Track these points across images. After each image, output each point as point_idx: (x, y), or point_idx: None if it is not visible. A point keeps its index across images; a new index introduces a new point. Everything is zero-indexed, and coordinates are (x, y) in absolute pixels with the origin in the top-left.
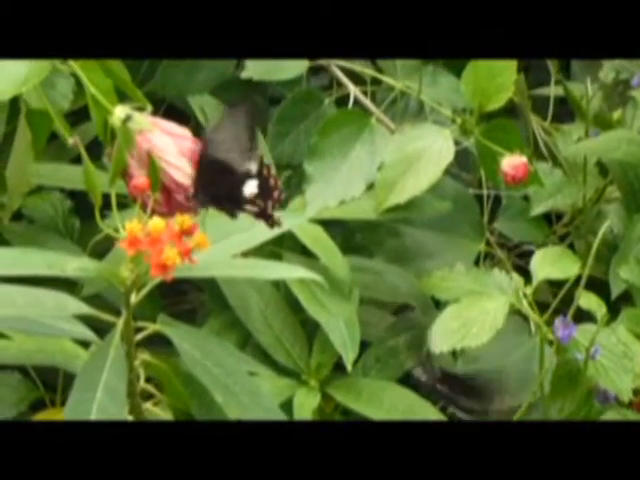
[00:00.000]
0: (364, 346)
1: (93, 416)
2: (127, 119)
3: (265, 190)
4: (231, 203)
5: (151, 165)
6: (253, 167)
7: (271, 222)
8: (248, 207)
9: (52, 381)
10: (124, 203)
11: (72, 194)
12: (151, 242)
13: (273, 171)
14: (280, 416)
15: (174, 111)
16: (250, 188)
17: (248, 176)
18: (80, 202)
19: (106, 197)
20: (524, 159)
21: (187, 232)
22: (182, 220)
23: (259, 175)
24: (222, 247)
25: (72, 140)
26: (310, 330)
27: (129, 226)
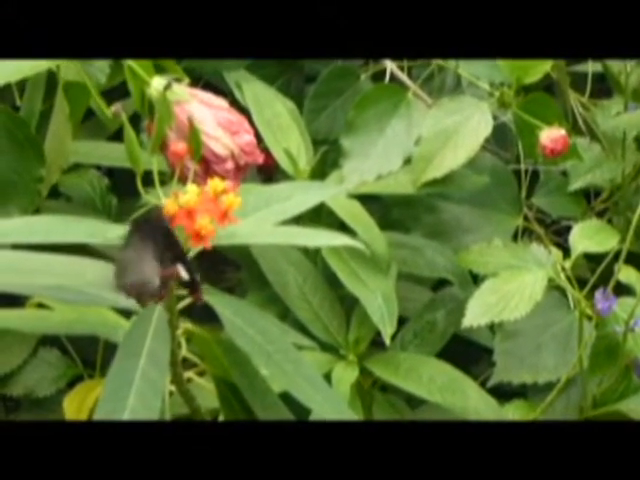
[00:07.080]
0: (402, 321)
1: (136, 383)
2: (167, 87)
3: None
4: None
5: (191, 132)
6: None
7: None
8: None
9: (91, 358)
10: (163, 180)
11: (109, 172)
12: (187, 214)
13: None
14: (323, 386)
15: (210, 88)
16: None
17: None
18: (117, 180)
19: (144, 176)
20: (563, 132)
21: (222, 196)
22: (215, 184)
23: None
24: (262, 216)
25: (114, 108)
26: (348, 305)
27: (167, 203)
